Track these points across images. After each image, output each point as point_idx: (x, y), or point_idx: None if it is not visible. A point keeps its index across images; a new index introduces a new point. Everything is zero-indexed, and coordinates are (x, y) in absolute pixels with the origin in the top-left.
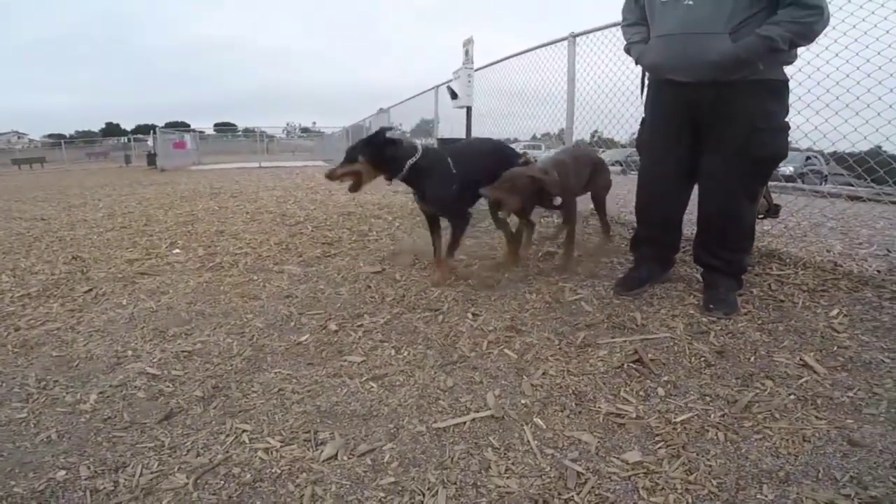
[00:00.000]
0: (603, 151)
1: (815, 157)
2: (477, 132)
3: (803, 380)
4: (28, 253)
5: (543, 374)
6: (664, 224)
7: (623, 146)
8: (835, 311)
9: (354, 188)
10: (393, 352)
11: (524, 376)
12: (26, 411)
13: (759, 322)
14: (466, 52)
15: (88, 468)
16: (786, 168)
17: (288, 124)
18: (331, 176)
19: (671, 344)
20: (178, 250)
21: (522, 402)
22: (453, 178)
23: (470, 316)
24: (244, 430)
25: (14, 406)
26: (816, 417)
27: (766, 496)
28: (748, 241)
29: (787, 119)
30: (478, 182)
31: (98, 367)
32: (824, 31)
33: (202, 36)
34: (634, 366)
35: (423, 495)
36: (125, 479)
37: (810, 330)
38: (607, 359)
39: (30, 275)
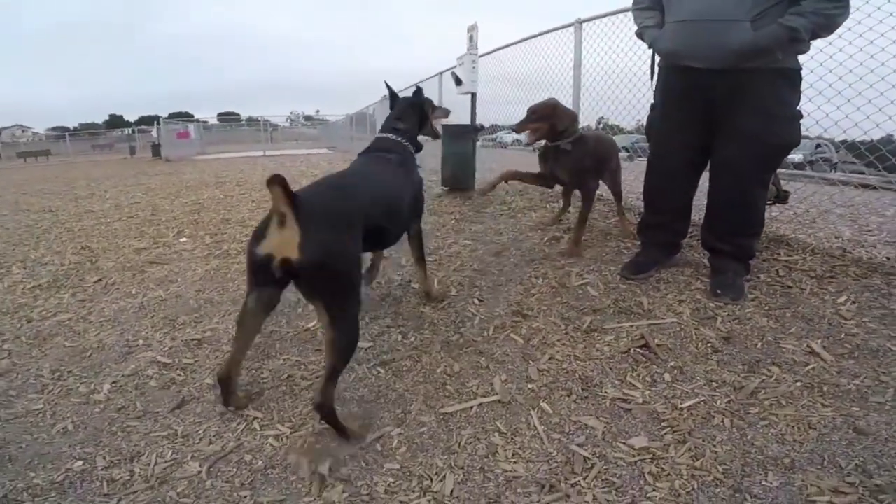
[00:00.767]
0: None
1: (825, 145)
2: (481, 118)
3: (810, 367)
4: (37, 244)
5: (550, 358)
6: (673, 210)
7: (629, 132)
8: (843, 298)
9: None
10: (400, 337)
11: (531, 361)
12: (42, 402)
13: (767, 308)
14: (471, 38)
15: (104, 458)
16: (795, 155)
17: (291, 112)
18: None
19: (678, 329)
20: (185, 239)
21: (529, 386)
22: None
23: (476, 301)
24: (255, 418)
25: (30, 397)
26: (823, 405)
27: (772, 483)
28: (758, 226)
29: (799, 108)
30: None
31: (110, 357)
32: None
33: (202, 25)
34: (641, 351)
35: (431, 480)
36: (140, 469)
37: (818, 317)
38: (614, 344)
39: (40, 266)
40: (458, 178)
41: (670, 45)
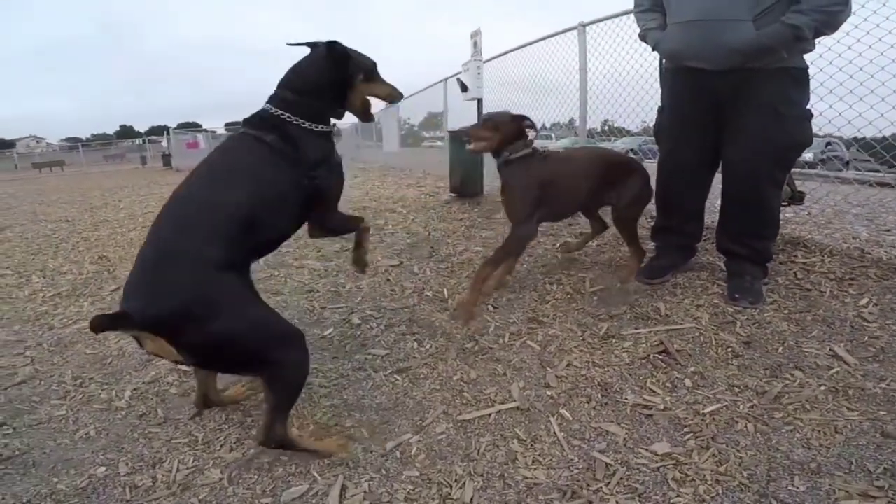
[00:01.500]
0: (611, 140)
1: (836, 143)
2: None
3: (833, 370)
4: (56, 254)
5: (568, 365)
6: (686, 212)
7: (636, 134)
8: (864, 301)
9: None
10: (415, 344)
11: (548, 368)
12: (65, 409)
13: (786, 311)
14: (475, 44)
15: (127, 464)
16: (806, 154)
17: None
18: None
19: (697, 334)
20: None
21: (548, 393)
22: None
23: (490, 308)
24: None
25: (53, 403)
26: (848, 409)
27: (798, 487)
28: (773, 228)
29: (808, 107)
30: None
31: (130, 364)
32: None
33: (206, 37)
34: (660, 357)
35: (451, 487)
36: (162, 475)
37: (839, 320)
38: (632, 350)
39: (59, 275)
40: (467, 185)
41: (674, 47)
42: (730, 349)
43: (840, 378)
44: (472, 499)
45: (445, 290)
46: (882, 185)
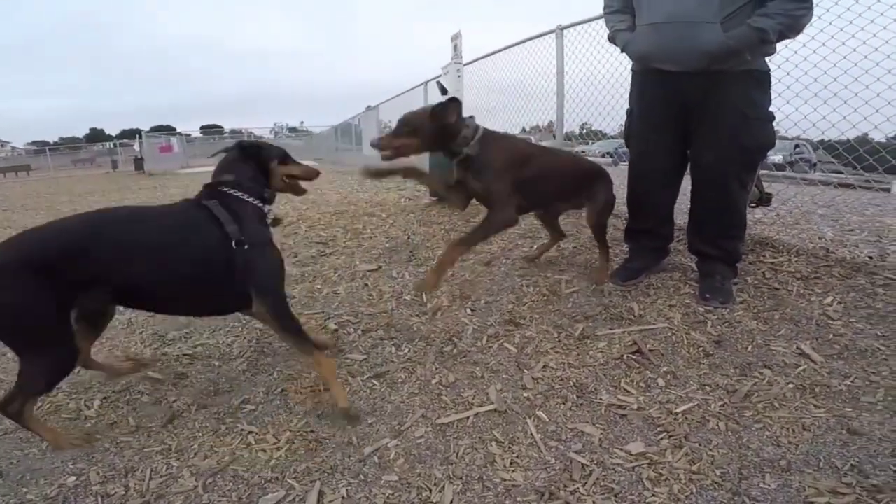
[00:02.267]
0: (589, 144)
1: (804, 145)
2: None
3: (801, 368)
4: None
5: (544, 366)
6: (657, 215)
7: (613, 137)
8: (829, 299)
9: None
10: (393, 349)
11: (525, 370)
12: None
13: (755, 311)
14: (455, 47)
15: (98, 473)
16: (775, 156)
17: (275, 124)
18: None
19: (669, 334)
20: None
21: (524, 395)
22: None
23: (468, 311)
24: (250, 432)
25: None
26: (815, 406)
27: (769, 485)
28: (741, 229)
29: (770, 109)
30: None
31: (100, 374)
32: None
33: (181, 37)
34: (634, 357)
35: (430, 491)
36: (135, 484)
37: (805, 318)
38: (606, 350)
39: None
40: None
41: (642, 49)
42: (701, 348)
43: (807, 376)
44: (451, 502)
45: (424, 294)
46: (845, 186)
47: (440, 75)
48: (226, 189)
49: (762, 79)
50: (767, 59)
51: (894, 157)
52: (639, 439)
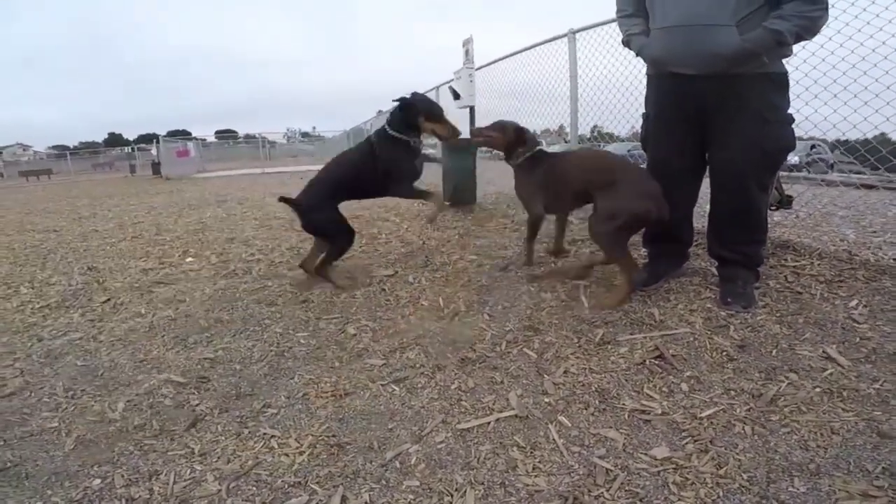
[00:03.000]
0: (602, 146)
1: (820, 146)
2: None
3: (827, 372)
4: (44, 265)
5: (565, 372)
6: (676, 219)
7: (625, 140)
8: (854, 302)
9: None
10: (412, 354)
11: (545, 375)
12: (57, 420)
13: (779, 314)
14: (467, 52)
15: (122, 477)
16: (791, 157)
17: (288, 129)
18: None
19: (691, 339)
20: (190, 259)
21: (546, 400)
22: None
23: (486, 316)
24: (273, 436)
25: (44, 416)
26: (843, 410)
27: (798, 489)
28: (763, 232)
29: (790, 111)
30: None
31: (123, 376)
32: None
33: (195, 45)
34: (656, 362)
35: (452, 496)
36: (159, 487)
37: (830, 321)
38: (628, 355)
39: (47, 286)
40: (460, 194)
41: (658, 53)
42: (724, 353)
43: (834, 379)
44: None
45: (441, 299)
46: (867, 186)
47: (452, 79)
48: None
49: (780, 81)
50: (784, 60)
51: None
52: (663, 444)
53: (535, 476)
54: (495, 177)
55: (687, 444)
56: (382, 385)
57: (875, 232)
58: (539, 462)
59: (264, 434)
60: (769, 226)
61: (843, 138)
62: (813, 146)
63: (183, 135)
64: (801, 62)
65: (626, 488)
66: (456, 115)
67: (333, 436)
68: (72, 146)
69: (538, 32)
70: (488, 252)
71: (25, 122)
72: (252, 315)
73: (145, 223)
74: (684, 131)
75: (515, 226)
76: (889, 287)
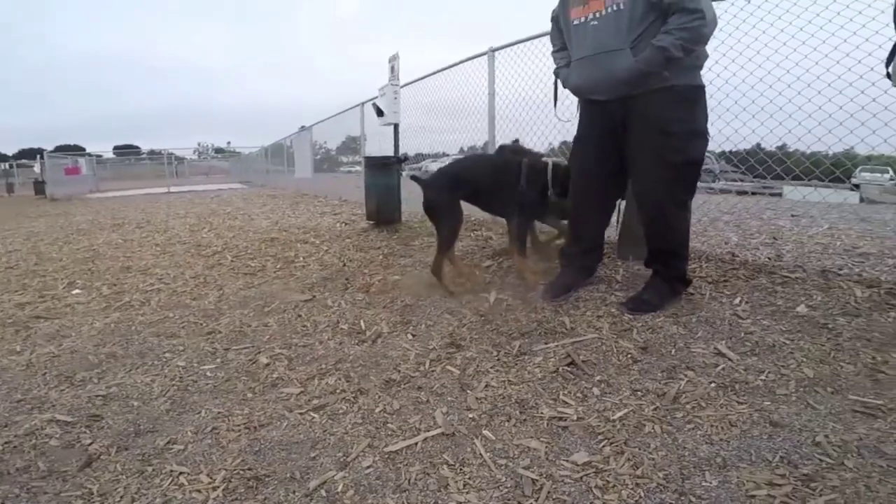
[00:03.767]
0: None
1: (708, 157)
2: (405, 148)
3: (720, 367)
4: None
5: (486, 386)
6: (591, 236)
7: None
8: (737, 300)
9: None
10: (332, 380)
11: (468, 390)
12: None
13: (675, 316)
14: (392, 69)
15: None
16: None
17: (199, 144)
18: None
19: (599, 344)
20: (77, 290)
21: (470, 416)
22: None
23: (410, 336)
24: (181, 472)
25: None
26: (738, 402)
27: (711, 482)
28: (680, 247)
29: (701, 124)
30: None
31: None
32: (714, 33)
33: (90, 50)
34: (569, 368)
35: None
36: None
37: (719, 319)
38: (543, 364)
39: None
40: (384, 212)
41: (575, 82)
42: (629, 355)
43: (726, 374)
44: None
45: (363, 321)
46: (741, 193)
47: (376, 96)
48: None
49: (687, 93)
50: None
51: (780, 166)
52: (582, 449)
53: (467, 493)
54: (421, 196)
55: (604, 447)
56: (301, 413)
57: (752, 234)
58: (469, 478)
59: (171, 471)
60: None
61: (724, 149)
62: None
63: (74, 150)
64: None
65: (553, 497)
66: (381, 133)
67: (250, 469)
68: None
69: (465, 50)
70: (413, 271)
71: None
72: (151, 349)
73: (23, 251)
74: (603, 153)
75: None
76: (765, 284)
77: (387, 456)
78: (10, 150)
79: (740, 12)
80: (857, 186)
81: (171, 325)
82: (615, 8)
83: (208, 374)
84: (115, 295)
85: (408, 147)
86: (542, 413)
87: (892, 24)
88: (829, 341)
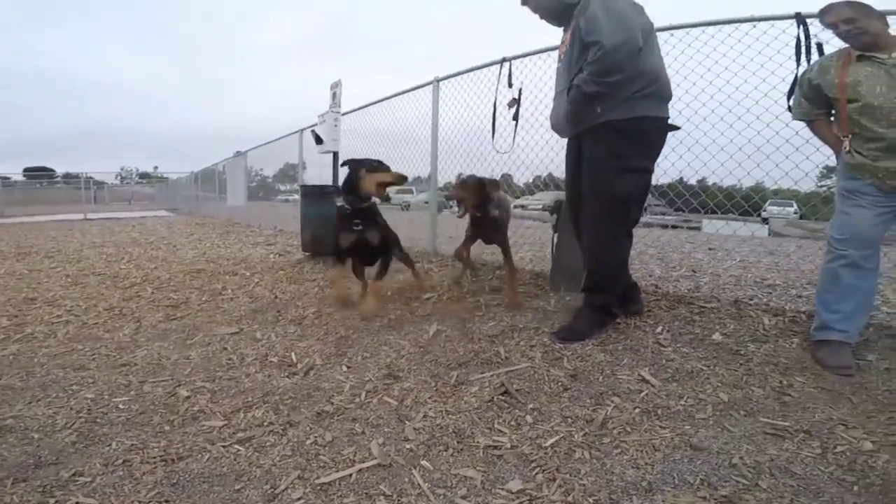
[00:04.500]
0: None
1: None
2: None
3: (644, 393)
4: None
5: (424, 416)
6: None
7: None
8: (659, 329)
9: None
10: (259, 412)
11: (406, 421)
12: None
13: (603, 344)
14: (334, 96)
15: None
16: None
17: (122, 168)
18: None
19: (532, 373)
20: None
21: (407, 446)
22: None
23: (345, 368)
24: None
25: None
26: (661, 427)
27: None
28: (608, 280)
29: (646, 158)
30: None
31: None
32: (621, 62)
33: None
34: (503, 397)
35: None
36: None
37: (643, 347)
38: (479, 394)
39: None
40: (320, 243)
41: (550, 121)
42: (560, 383)
43: (649, 399)
44: None
45: (293, 353)
46: (664, 227)
47: (315, 123)
48: None
49: (624, 128)
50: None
51: (697, 199)
52: (516, 477)
53: None
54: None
55: (537, 474)
56: (224, 446)
57: (674, 267)
58: None
59: (77, 502)
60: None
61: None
62: None
63: None
64: None
65: None
66: (318, 161)
67: (167, 500)
68: None
69: (410, 80)
70: (348, 303)
71: None
72: (55, 381)
73: None
74: (572, 189)
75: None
76: (685, 314)
77: (318, 487)
78: None
79: (664, 44)
80: (765, 220)
81: (79, 357)
82: (567, 49)
83: (121, 406)
84: (15, 327)
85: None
86: (478, 442)
87: (794, 58)
88: (741, 367)
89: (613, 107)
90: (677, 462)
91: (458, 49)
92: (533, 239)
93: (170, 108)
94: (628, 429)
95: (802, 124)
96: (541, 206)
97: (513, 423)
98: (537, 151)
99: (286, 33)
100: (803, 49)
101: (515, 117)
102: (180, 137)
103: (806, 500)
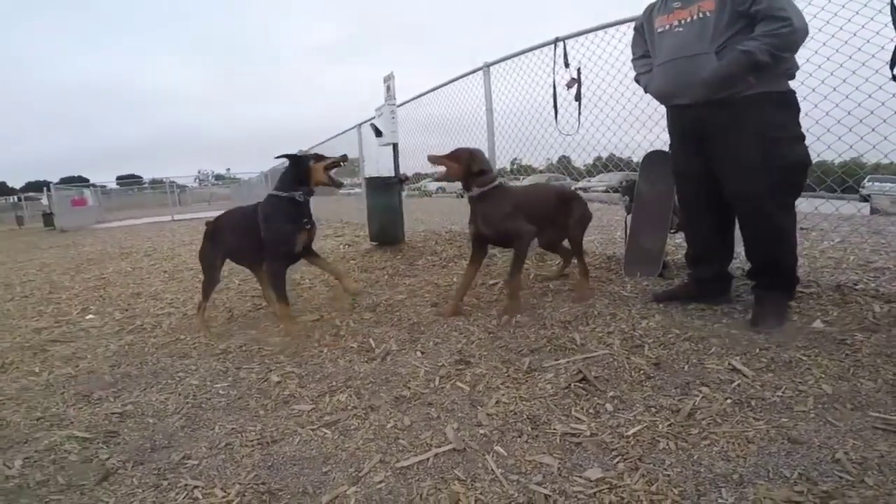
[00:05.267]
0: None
1: None
2: (404, 167)
3: (735, 383)
4: None
5: (497, 402)
6: (701, 244)
7: (541, 171)
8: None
9: None
10: (343, 397)
11: (479, 407)
12: None
13: (687, 331)
14: (388, 88)
15: None
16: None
17: (200, 172)
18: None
19: (611, 360)
20: (91, 316)
21: (481, 432)
22: None
23: (419, 353)
24: (195, 486)
25: None
26: (755, 419)
27: (727, 499)
28: (791, 252)
29: (798, 129)
30: None
31: (19, 434)
32: (805, 41)
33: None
34: (580, 385)
35: None
36: None
37: (732, 335)
38: (554, 381)
39: None
40: (387, 232)
41: (657, 87)
42: (642, 371)
43: (742, 390)
44: None
45: (371, 340)
46: None
47: (374, 117)
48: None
49: (783, 99)
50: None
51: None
52: (595, 465)
53: None
54: (423, 215)
55: (618, 463)
56: (313, 430)
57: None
58: (480, 494)
59: (186, 485)
60: (671, 247)
61: None
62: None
63: (79, 181)
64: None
65: None
66: (379, 153)
67: (263, 483)
68: None
69: (456, 69)
70: (418, 290)
71: None
72: (164, 368)
73: (37, 281)
74: (693, 159)
75: (443, 262)
76: None
77: (398, 471)
78: (18, 184)
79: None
80: (865, 198)
81: (182, 346)
82: (700, 16)
83: (221, 392)
84: (127, 319)
85: (406, 167)
86: (554, 429)
87: (892, 25)
88: (847, 357)
89: (768, 80)
90: (773, 455)
91: (503, 34)
92: (600, 222)
93: (237, 112)
94: (718, 420)
95: None
96: (605, 188)
97: (591, 410)
98: (603, 131)
99: (328, 34)
100: None
101: (578, 97)
102: (249, 139)
103: None
